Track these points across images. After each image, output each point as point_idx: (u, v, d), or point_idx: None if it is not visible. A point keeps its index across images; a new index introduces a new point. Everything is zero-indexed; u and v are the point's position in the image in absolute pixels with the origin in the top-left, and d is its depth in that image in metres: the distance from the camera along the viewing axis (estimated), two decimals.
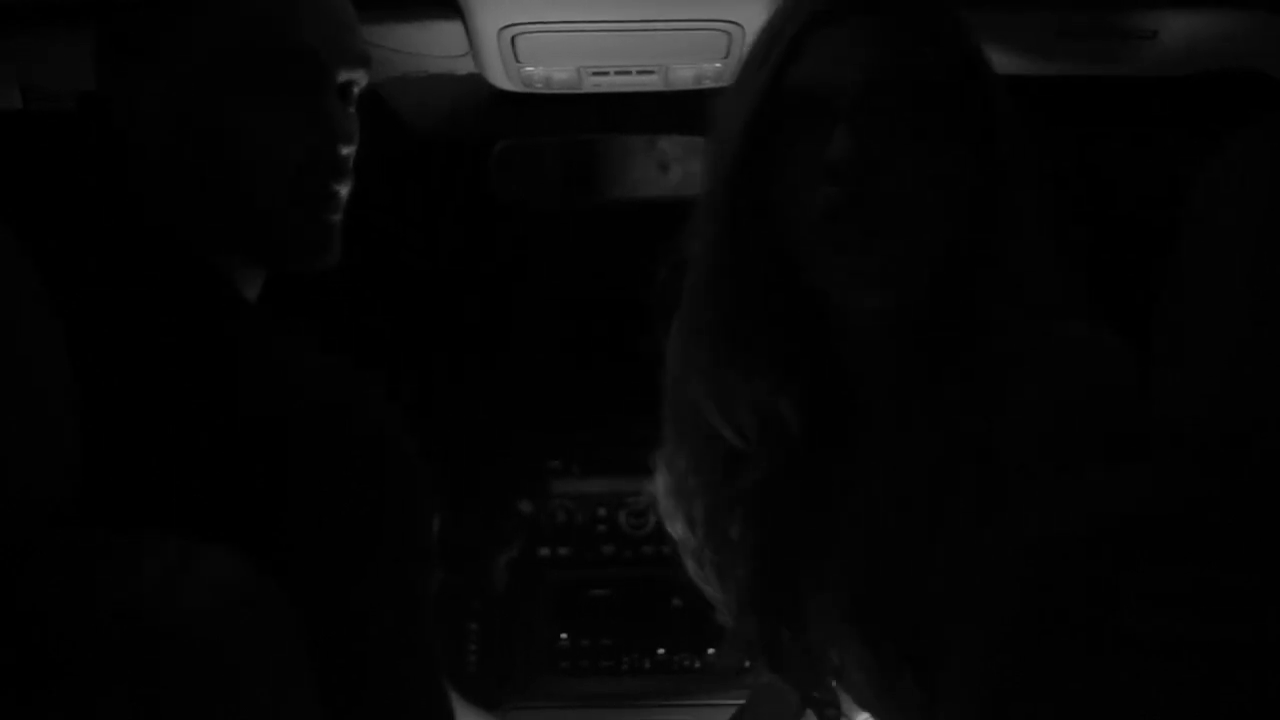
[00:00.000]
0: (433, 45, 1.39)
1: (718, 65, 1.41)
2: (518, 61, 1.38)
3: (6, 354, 0.65)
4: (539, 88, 1.46)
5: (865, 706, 1.14)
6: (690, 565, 1.19)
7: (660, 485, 1.16)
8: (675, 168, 1.90)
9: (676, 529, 1.17)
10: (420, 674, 0.93)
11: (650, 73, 1.43)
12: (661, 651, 1.84)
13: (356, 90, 1.03)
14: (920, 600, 0.93)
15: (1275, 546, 0.67)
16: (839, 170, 0.90)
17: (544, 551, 1.90)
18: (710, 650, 1.82)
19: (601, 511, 1.92)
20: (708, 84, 1.46)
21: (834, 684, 1.14)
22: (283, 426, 0.88)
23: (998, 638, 0.72)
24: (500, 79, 1.45)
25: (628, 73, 1.43)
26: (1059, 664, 0.68)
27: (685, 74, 1.43)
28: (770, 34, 0.97)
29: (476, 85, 1.50)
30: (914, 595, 0.94)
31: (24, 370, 0.66)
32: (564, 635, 1.85)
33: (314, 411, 0.89)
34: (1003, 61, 0.96)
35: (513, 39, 1.32)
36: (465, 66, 1.45)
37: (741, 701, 1.62)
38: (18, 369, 0.66)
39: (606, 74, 1.44)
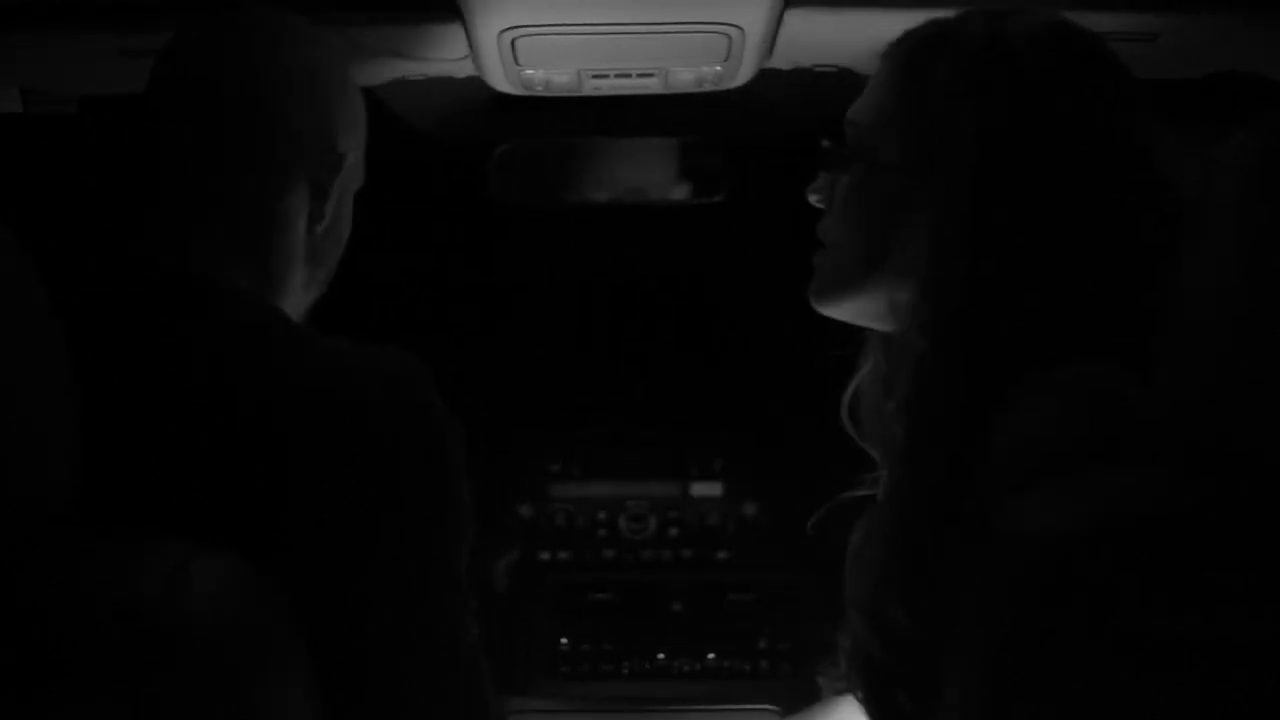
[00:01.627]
0: (433, 48, 1.39)
1: (718, 68, 1.40)
2: (518, 64, 1.38)
3: (6, 354, 0.65)
4: (539, 90, 1.46)
5: None
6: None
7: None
8: (676, 171, 1.90)
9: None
10: (423, 672, 0.93)
11: (650, 75, 1.43)
12: (662, 656, 1.84)
13: None
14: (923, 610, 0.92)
15: (1275, 546, 0.67)
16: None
17: (544, 555, 1.90)
18: (711, 655, 1.82)
19: (602, 515, 1.92)
20: (708, 87, 1.46)
21: None
22: (281, 424, 0.88)
23: (998, 637, 0.72)
24: (500, 82, 1.45)
25: (628, 75, 1.43)
26: (1059, 664, 0.68)
27: (685, 77, 1.43)
28: None
29: (476, 88, 1.50)
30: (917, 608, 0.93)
31: (24, 370, 0.66)
32: (564, 639, 1.84)
33: (313, 409, 0.89)
34: None
35: (513, 42, 1.32)
36: (465, 69, 1.45)
37: (741, 707, 1.63)
38: (17, 369, 0.66)
39: (606, 77, 1.43)
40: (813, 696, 1.59)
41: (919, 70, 1.00)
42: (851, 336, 1.15)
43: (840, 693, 1.24)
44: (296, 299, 1.07)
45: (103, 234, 0.98)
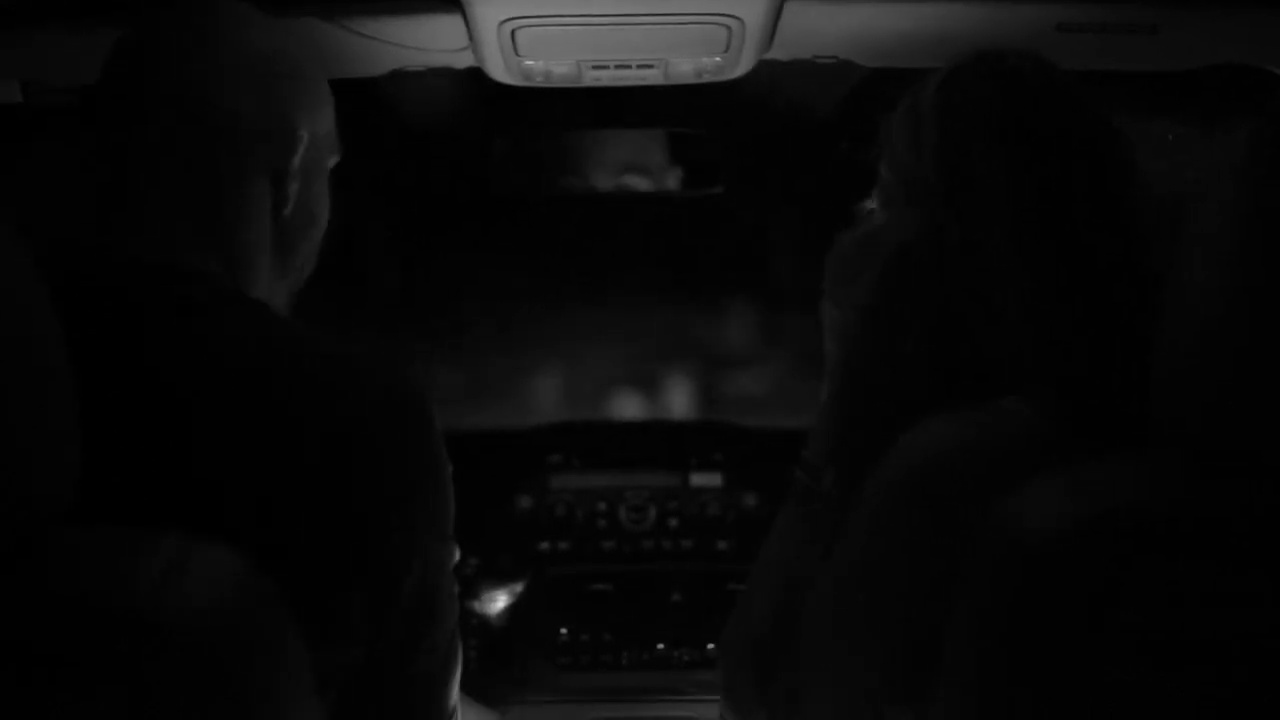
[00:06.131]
0: (432, 39, 1.38)
1: (718, 59, 1.40)
2: (517, 55, 1.38)
3: (6, 353, 0.65)
4: (539, 81, 1.46)
5: None
6: None
7: None
8: (674, 162, 1.90)
9: None
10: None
11: (650, 66, 1.43)
12: (661, 646, 1.84)
13: None
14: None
15: (1275, 545, 0.67)
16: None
17: (544, 546, 1.91)
18: (710, 645, 1.82)
19: (602, 506, 1.92)
20: (708, 78, 1.46)
21: None
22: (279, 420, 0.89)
23: (996, 635, 0.72)
24: (500, 73, 1.45)
25: (628, 66, 1.43)
26: (1059, 662, 0.68)
27: (685, 68, 1.43)
28: None
29: (476, 79, 1.49)
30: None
31: (24, 369, 0.66)
32: (564, 630, 1.85)
33: (310, 407, 0.90)
34: None
35: (512, 32, 1.32)
36: (465, 60, 1.45)
37: None
38: (17, 368, 0.66)
39: (606, 68, 1.43)
40: None
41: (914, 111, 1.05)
42: None
43: None
44: (270, 287, 1.06)
45: (81, 228, 0.98)
